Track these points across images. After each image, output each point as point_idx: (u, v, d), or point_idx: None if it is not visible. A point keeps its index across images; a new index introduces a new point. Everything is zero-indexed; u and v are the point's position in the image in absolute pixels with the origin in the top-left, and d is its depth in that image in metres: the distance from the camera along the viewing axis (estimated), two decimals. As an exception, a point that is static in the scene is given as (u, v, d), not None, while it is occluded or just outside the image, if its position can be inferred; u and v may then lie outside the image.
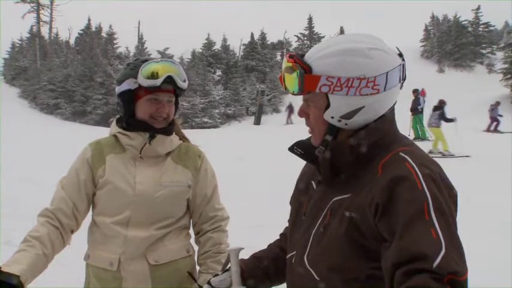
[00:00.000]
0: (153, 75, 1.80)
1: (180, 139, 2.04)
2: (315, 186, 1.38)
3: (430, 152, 13.35)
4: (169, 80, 1.81)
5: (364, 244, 1.16)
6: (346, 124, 1.24)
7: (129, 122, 1.90)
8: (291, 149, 1.38)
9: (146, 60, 1.86)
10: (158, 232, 1.85)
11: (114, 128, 1.94)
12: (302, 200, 1.41)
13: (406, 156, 1.17)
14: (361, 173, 1.22)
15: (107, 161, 1.89)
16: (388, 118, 1.27)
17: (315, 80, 1.21)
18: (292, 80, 1.24)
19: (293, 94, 1.28)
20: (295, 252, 1.36)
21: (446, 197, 1.11)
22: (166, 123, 1.91)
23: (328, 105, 1.23)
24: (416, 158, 1.17)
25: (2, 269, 1.52)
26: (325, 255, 1.22)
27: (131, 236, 1.82)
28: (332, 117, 1.24)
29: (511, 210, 5.80)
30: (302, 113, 1.32)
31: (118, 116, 1.98)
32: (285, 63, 1.26)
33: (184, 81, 1.88)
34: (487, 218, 5.77)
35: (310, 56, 1.25)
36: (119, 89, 1.90)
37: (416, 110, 16.07)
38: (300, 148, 1.37)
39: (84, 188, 1.87)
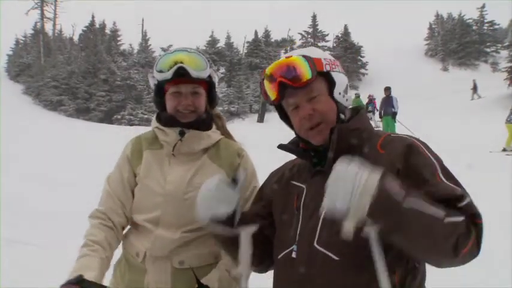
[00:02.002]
0: (164, 68, 1.75)
1: (222, 134, 1.93)
2: (299, 184, 1.47)
3: (504, 149, 12.75)
4: (182, 70, 1.72)
5: None
6: (347, 100, 1.43)
7: (161, 117, 1.85)
8: (280, 147, 1.50)
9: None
10: (186, 235, 1.79)
11: (153, 123, 1.88)
12: (286, 200, 1.48)
13: (400, 135, 1.38)
14: (361, 156, 1.30)
15: (144, 158, 1.85)
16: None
17: (319, 61, 1.39)
18: (304, 67, 1.36)
19: (302, 84, 1.36)
20: (293, 247, 1.37)
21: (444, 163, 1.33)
22: (195, 116, 1.81)
23: (332, 86, 1.40)
24: (409, 136, 1.37)
25: (83, 277, 1.50)
26: None
27: (159, 234, 1.78)
28: (339, 93, 1.41)
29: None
30: (309, 110, 1.38)
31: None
32: (284, 61, 1.41)
33: (202, 69, 1.77)
34: None
35: (298, 53, 1.42)
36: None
37: (388, 111, 14.83)
38: (286, 149, 1.48)
39: (128, 185, 1.86)
